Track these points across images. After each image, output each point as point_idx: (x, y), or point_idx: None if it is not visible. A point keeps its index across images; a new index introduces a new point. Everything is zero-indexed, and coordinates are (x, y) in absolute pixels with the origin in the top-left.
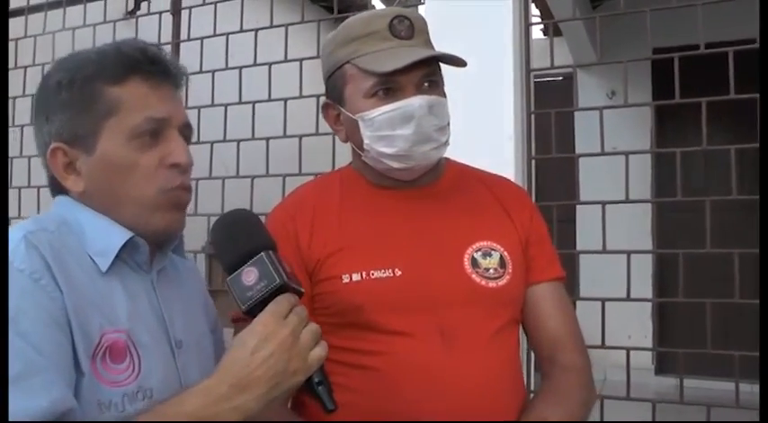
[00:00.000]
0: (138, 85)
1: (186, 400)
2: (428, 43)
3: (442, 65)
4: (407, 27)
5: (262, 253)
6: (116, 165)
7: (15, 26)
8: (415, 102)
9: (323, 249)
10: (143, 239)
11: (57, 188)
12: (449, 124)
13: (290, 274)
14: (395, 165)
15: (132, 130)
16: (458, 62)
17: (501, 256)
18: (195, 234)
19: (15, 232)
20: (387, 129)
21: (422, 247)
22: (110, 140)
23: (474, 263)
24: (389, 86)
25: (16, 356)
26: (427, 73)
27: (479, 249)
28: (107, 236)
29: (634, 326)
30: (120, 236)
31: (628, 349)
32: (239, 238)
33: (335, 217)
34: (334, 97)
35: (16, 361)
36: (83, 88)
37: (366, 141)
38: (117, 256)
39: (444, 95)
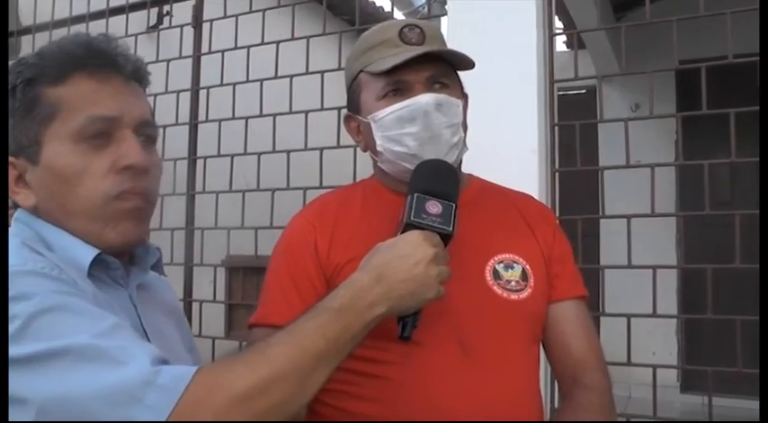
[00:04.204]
0: (82, 82)
1: (337, 293)
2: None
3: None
4: (418, 34)
5: (454, 204)
6: (63, 174)
7: (42, 42)
8: (422, 99)
9: (342, 256)
10: (111, 256)
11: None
12: (462, 126)
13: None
14: (407, 165)
15: (78, 132)
16: (465, 62)
17: (523, 268)
18: (216, 248)
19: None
20: (396, 128)
21: None
22: (54, 147)
23: (496, 274)
24: (399, 87)
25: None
26: (436, 73)
27: (501, 261)
28: (75, 251)
29: (659, 342)
30: (86, 252)
31: (654, 367)
32: (446, 179)
33: (356, 225)
34: (353, 108)
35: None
36: (24, 93)
37: (378, 143)
38: (89, 274)
39: (459, 98)
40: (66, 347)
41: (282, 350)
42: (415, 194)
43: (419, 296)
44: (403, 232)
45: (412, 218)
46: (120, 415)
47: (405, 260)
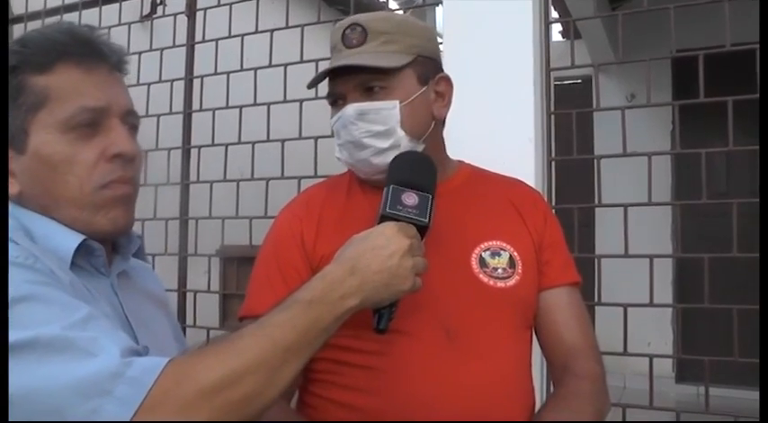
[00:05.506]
0: (69, 71)
1: (310, 285)
2: (387, 44)
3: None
4: (359, 34)
5: (430, 196)
6: (51, 162)
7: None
8: (345, 112)
9: (327, 247)
10: (97, 242)
11: None
12: (401, 127)
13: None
14: (355, 170)
15: (66, 121)
16: (385, 68)
17: (510, 255)
18: (210, 238)
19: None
20: (337, 138)
21: (428, 245)
22: (42, 136)
23: (482, 262)
24: (334, 100)
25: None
26: (367, 78)
27: (488, 249)
28: (58, 239)
29: (654, 332)
30: (71, 239)
31: (651, 357)
32: (423, 170)
33: (342, 215)
34: None
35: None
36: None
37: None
38: (72, 262)
39: (398, 98)
40: (35, 338)
41: (252, 342)
42: (391, 186)
43: (394, 288)
44: (379, 224)
45: (387, 210)
46: (90, 407)
47: (378, 252)
